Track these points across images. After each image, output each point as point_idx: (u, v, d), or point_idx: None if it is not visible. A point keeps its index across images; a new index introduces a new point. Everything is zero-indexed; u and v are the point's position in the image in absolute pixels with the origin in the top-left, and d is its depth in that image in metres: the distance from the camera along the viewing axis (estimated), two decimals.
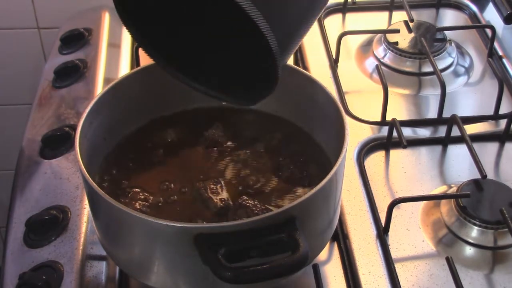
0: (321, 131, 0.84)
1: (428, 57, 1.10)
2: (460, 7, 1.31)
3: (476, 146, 0.94)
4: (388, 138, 1.00)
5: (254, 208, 0.76)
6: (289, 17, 0.68)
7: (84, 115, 0.77)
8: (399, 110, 1.08)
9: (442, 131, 1.02)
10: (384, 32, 1.19)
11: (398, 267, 0.84)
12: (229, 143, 0.87)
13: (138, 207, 0.77)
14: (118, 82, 0.82)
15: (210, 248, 0.63)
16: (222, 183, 0.80)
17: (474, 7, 1.30)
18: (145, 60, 1.09)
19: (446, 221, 0.89)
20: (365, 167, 0.97)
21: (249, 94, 0.76)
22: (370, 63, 1.17)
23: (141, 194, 0.79)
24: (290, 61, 1.14)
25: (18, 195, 0.92)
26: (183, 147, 0.86)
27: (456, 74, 1.15)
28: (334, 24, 1.27)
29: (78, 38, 1.19)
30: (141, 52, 1.11)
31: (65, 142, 0.97)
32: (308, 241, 0.65)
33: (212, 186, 0.79)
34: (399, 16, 1.25)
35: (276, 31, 0.64)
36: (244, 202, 0.77)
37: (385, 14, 1.29)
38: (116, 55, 1.16)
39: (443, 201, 0.91)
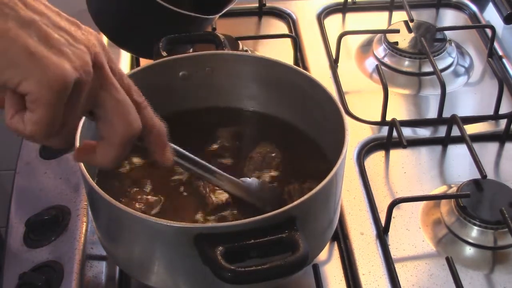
0: (321, 131, 0.84)
1: (428, 57, 1.10)
2: (460, 7, 1.31)
3: (476, 146, 0.94)
4: (388, 138, 1.00)
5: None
6: None
7: None
8: (399, 110, 1.08)
9: (442, 131, 1.02)
10: (384, 32, 1.19)
11: (398, 267, 0.84)
12: (228, 144, 0.87)
13: (138, 207, 0.77)
14: None
15: (210, 248, 0.63)
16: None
17: (474, 7, 1.30)
18: (145, 60, 1.09)
19: (446, 221, 0.89)
20: (365, 167, 0.97)
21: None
22: (370, 63, 1.17)
23: (141, 194, 0.79)
24: (290, 61, 1.14)
25: (18, 195, 0.92)
26: (184, 147, 0.86)
27: (456, 74, 1.15)
28: (334, 24, 1.27)
29: None
30: None
31: None
32: (308, 241, 0.65)
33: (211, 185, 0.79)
34: (399, 16, 1.25)
35: None
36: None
37: (385, 14, 1.29)
38: (116, 55, 1.16)
39: (443, 201, 0.91)
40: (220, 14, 1.04)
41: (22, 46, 0.52)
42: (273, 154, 0.84)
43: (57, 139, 0.58)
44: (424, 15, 1.28)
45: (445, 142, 1.02)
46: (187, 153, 0.72)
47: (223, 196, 0.78)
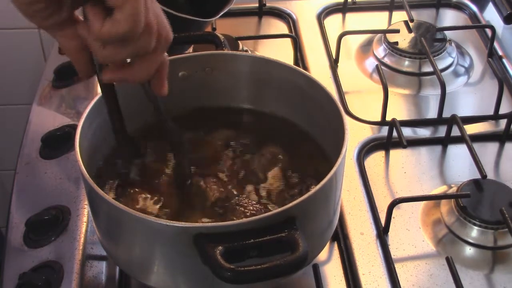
0: (321, 131, 0.84)
1: (428, 57, 1.10)
2: (460, 7, 1.31)
3: (476, 146, 0.94)
4: (388, 138, 1.00)
5: (251, 208, 0.76)
6: None
7: (84, 115, 0.77)
8: (399, 110, 1.08)
9: (442, 131, 1.02)
10: (384, 32, 1.19)
11: (398, 267, 0.84)
12: (229, 144, 0.87)
13: (138, 207, 0.77)
14: None
15: (209, 247, 0.63)
16: (221, 181, 0.80)
17: (474, 7, 1.30)
18: None
19: (446, 221, 0.89)
20: (365, 167, 0.97)
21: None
22: (370, 63, 1.17)
23: (141, 194, 0.79)
24: (290, 61, 1.14)
25: (18, 195, 0.92)
26: (183, 147, 0.86)
27: (456, 74, 1.15)
28: (334, 24, 1.27)
29: None
30: None
31: (65, 142, 0.97)
32: (308, 241, 0.65)
33: (211, 180, 0.79)
34: (399, 16, 1.25)
35: None
36: (241, 202, 0.77)
37: (385, 14, 1.29)
38: None
39: (443, 201, 0.91)
40: (217, 16, 1.04)
41: None
42: (277, 154, 0.85)
43: (143, 42, 0.62)
44: (424, 15, 1.28)
45: (445, 142, 1.02)
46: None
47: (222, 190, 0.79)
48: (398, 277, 0.83)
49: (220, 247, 0.63)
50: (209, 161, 0.84)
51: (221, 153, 0.86)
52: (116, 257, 0.77)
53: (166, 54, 0.69)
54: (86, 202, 0.88)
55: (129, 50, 0.62)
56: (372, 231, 0.88)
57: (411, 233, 0.89)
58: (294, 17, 1.27)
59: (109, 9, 0.59)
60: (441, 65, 1.13)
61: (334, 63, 1.16)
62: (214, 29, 1.18)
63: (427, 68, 1.13)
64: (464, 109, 1.09)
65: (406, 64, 1.15)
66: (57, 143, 0.98)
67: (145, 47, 0.63)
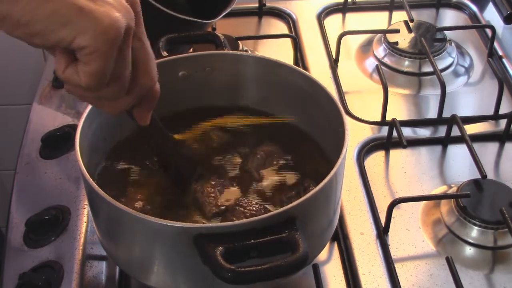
0: (321, 131, 0.84)
1: (428, 57, 1.10)
2: (460, 7, 1.31)
3: (476, 146, 0.94)
4: (388, 138, 1.00)
5: (251, 208, 0.76)
6: None
7: (84, 115, 0.77)
8: (399, 110, 1.08)
9: (442, 131, 1.02)
10: (384, 32, 1.19)
11: (398, 267, 0.84)
12: (228, 144, 0.87)
13: (138, 207, 0.77)
14: None
15: (210, 248, 0.63)
16: (220, 185, 0.80)
17: (474, 7, 1.30)
18: None
19: (446, 221, 0.89)
20: (365, 167, 0.97)
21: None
22: (370, 63, 1.17)
23: (140, 194, 0.79)
24: (290, 61, 1.14)
25: (18, 195, 0.92)
26: (183, 148, 0.86)
27: (456, 74, 1.15)
28: (334, 24, 1.27)
29: None
30: None
31: (65, 142, 0.97)
32: (308, 241, 0.65)
33: (209, 188, 0.79)
34: (399, 16, 1.25)
35: None
36: (241, 202, 0.77)
37: (385, 14, 1.29)
38: None
39: (443, 201, 0.91)
40: (219, 18, 1.04)
41: (70, 3, 0.54)
42: (276, 154, 0.85)
43: (110, 91, 0.60)
44: (424, 15, 1.28)
45: (445, 142, 1.02)
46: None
47: (221, 200, 0.78)
48: (398, 277, 0.83)
49: (220, 248, 0.63)
50: (208, 163, 0.84)
51: (220, 153, 0.85)
52: (116, 257, 0.77)
53: (157, 85, 0.66)
54: (86, 202, 0.88)
55: (93, 95, 0.60)
56: (372, 231, 0.88)
57: (411, 233, 0.89)
58: (294, 17, 1.27)
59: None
60: (441, 65, 1.13)
61: (334, 63, 1.16)
62: (214, 29, 1.18)
63: (427, 68, 1.13)
64: (464, 109, 1.09)
65: (406, 64, 1.15)
66: (57, 143, 0.98)
67: (112, 95, 0.61)
